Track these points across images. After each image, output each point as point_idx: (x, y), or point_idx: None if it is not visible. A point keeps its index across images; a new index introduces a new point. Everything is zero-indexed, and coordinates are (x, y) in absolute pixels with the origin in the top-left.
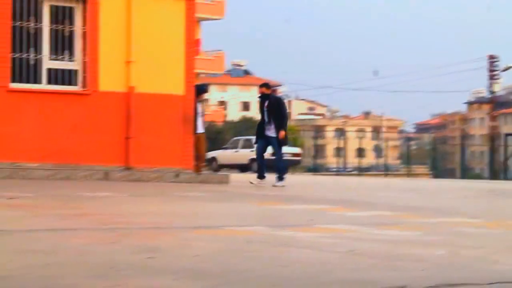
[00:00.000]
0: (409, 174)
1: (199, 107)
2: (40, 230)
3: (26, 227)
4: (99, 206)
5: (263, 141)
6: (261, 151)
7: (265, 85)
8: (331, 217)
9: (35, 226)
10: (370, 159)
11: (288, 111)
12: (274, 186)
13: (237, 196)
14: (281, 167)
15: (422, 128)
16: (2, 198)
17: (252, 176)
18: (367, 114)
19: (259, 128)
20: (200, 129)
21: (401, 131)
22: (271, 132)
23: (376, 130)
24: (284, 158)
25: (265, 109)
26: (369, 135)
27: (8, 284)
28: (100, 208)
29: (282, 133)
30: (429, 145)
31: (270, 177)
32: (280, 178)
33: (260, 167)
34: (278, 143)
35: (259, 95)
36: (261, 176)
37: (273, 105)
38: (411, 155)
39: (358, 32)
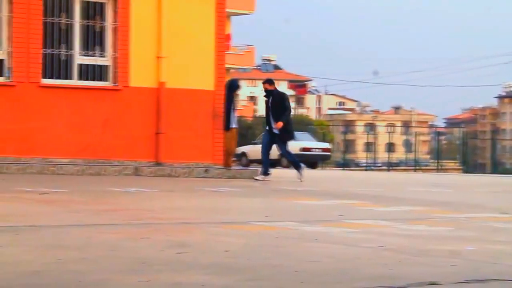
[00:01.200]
0: (439, 169)
1: (233, 103)
2: (72, 226)
3: (58, 222)
4: (130, 201)
5: (269, 137)
6: (266, 147)
7: (268, 81)
8: (361, 212)
9: (66, 222)
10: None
11: (291, 105)
12: (299, 179)
13: (267, 191)
14: (294, 161)
15: (452, 122)
16: (34, 193)
17: (280, 171)
18: (397, 109)
19: (267, 124)
20: (234, 124)
21: (431, 126)
22: (275, 128)
23: (406, 125)
24: (290, 153)
25: (269, 105)
26: (399, 129)
27: (41, 279)
28: (130, 204)
29: (280, 124)
30: (460, 140)
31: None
32: (298, 168)
33: (265, 162)
34: (281, 138)
35: (263, 91)
36: (265, 173)
37: (277, 101)
38: (441, 150)
39: (390, 26)
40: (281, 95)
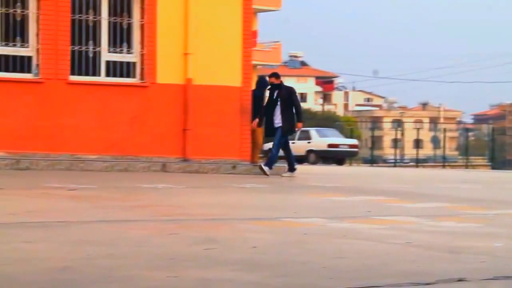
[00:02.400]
0: (467, 166)
1: (263, 100)
2: (100, 222)
3: (87, 218)
4: (158, 197)
5: (275, 133)
6: (284, 144)
7: (274, 74)
8: (389, 209)
9: (95, 218)
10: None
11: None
12: (261, 169)
13: (294, 188)
14: (273, 157)
15: (480, 118)
16: (62, 189)
17: (308, 168)
18: (424, 105)
19: (268, 120)
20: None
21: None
22: (278, 121)
23: (434, 121)
24: (279, 149)
25: (274, 98)
26: (426, 126)
27: (71, 274)
28: (158, 200)
29: (300, 125)
30: (488, 136)
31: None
32: (268, 165)
33: (287, 159)
34: (283, 134)
35: (270, 85)
36: (291, 169)
37: (285, 95)
38: (469, 146)
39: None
40: (289, 89)
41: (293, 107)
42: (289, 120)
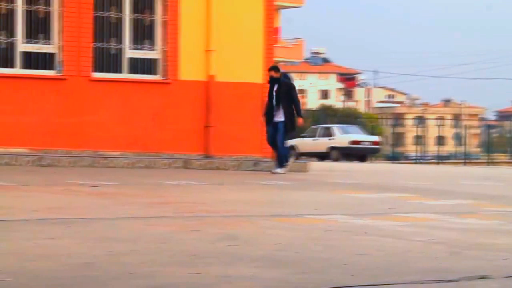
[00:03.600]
0: (489, 162)
1: None
2: (123, 218)
3: (109, 215)
4: (180, 194)
5: (272, 128)
6: (272, 138)
7: (274, 68)
8: (411, 206)
9: (117, 214)
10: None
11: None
12: (273, 172)
13: (316, 185)
14: (283, 154)
15: (503, 115)
16: (85, 186)
17: (330, 164)
18: (447, 102)
19: (268, 114)
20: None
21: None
22: (278, 117)
23: (456, 118)
24: (287, 145)
25: (274, 93)
26: (449, 122)
27: (93, 270)
28: (180, 197)
29: (301, 120)
30: (511, 133)
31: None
32: (281, 165)
33: (282, 153)
34: (285, 129)
35: (269, 78)
36: (281, 165)
37: (283, 90)
38: (492, 143)
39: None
40: (288, 84)
41: (293, 103)
42: (291, 118)
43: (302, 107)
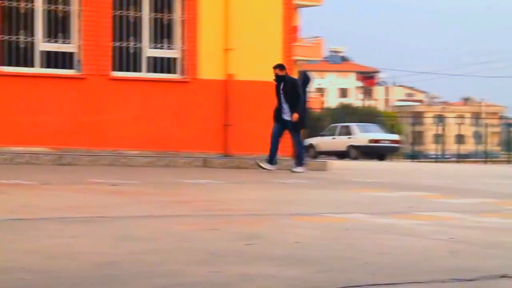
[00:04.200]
0: (509, 161)
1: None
2: (143, 217)
3: (129, 213)
4: (199, 193)
5: (280, 125)
6: (277, 135)
7: (279, 66)
8: (431, 204)
9: (138, 213)
10: (469, 145)
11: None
12: (293, 171)
13: (335, 183)
14: (299, 152)
15: None
16: (105, 185)
17: (349, 163)
18: (466, 100)
19: (277, 112)
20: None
21: (501, 117)
22: (287, 115)
23: (476, 116)
24: (302, 143)
25: (281, 91)
26: (468, 121)
27: (114, 269)
28: (200, 195)
29: (296, 115)
30: None
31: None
32: (299, 164)
33: (272, 151)
34: (294, 127)
35: (274, 76)
36: (270, 161)
37: (289, 87)
38: None
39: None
40: (293, 81)
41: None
42: (301, 116)
43: (320, 105)
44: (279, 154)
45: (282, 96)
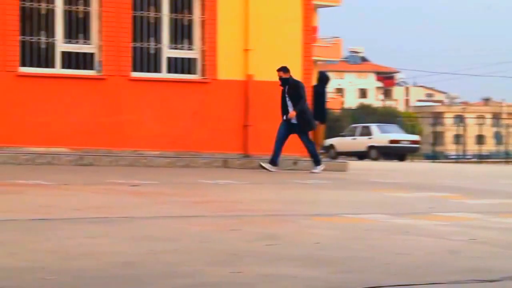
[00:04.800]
0: None
1: (325, 95)
2: (163, 217)
3: (149, 214)
4: (220, 193)
5: (286, 128)
6: (282, 138)
7: (283, 69)
8: (451, 205)
9: (158, 213)
10: (490, 146)
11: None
12: (312, 172)
13: (355, 184)
14: (312, 152)
15: None
16: (125, 185)
17: (369, 163)
18: (487, 100)
19: (284, 114)
20: (326, 118)
21: None
22: (293, 119)
23: (496, 117)
24: (312, 143)
25: (285, 94)
26: (489, 121)
27: (135, 269)
28: (220, 195)
29: (293, 113)
30: None
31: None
32: (316, 163)
33: (276, 152)
34: (301, 130)
35: (279, 79)
36: (273, 162)
37: (292, 90)
38: None
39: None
40: (296, 83)
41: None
42: (303, 117)
43: (339, 106)
44: (299, 155)
45: (286, 98)
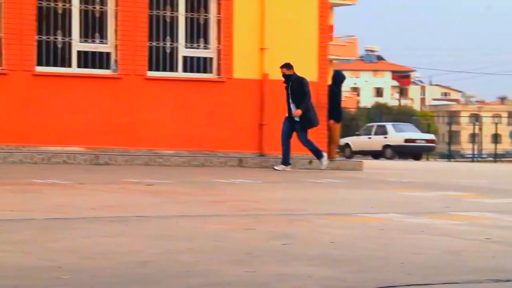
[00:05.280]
0: None
1: (340, 94)
2: (178, 216)
3: (165, 213)
4: (235, 192)
5: (289, 124)
6: (286, 135)
7: (286, 65)
8: (467, 204)
9: (173, 212)
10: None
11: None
12: (321, 169)
13: (370, 183)
14: (313, 149)
15: None
16: (140, 184)
17: (385, 163)
18: (503, 99)
19: (289, 112)
20: (341, 117)
21: None
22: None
23: None
24: (309, 140)
25: (289, 91)
26: (505, 120)
27: (150, 268)
28: (235, 195)
29: (298, 111)
30: None
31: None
32: (319, 156)
33: (285, 151)
34: (302, 126)
35: (282, 76)
36: (286, 162)
37: (296, 86)
38: None
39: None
40: (299, 80)
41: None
42: (309, 115)
43: (355, 105)
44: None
45: (289, 95)
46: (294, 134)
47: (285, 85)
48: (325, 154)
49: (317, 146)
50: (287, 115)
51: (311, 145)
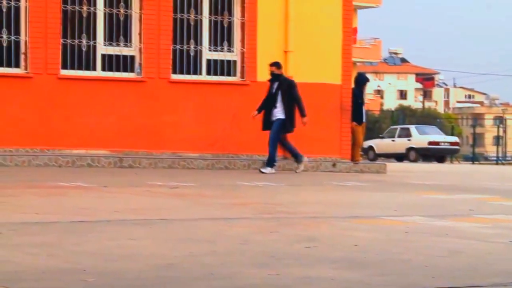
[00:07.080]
0: None
1: (363, 97)
2: (202, 219)
3: (189, 216)
4: (258, 195)
5: (271, 126)
6: (282, 139)
7: (276, 64)
8: (491, 207)
9: (197, 215)
10: None
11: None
12: (261, 172)
13: (394, 186)
14: (271, 152)
15: None
16: (164, 187)
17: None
18: None
19: (267, 113)
20: (363, 119)
21: None
22: (278, 114)
23: None
24: (276, 145)
25: (273, 91)
26: None
27: (174, 271)
28: (259, 198)
29: (306, 119)
30: None
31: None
32: (268, 164)
33: (291, 151)
34: (282, 127)
35: (270, 74)
36: (298, 160)
37: (284, 88)
38: None
39: None
40: (288, 82)
41: (294, 102)
42: (290, 117)
43: (379, 107)
44: (338, 156)
45: (278, 95)
46: (295, 135)
47: (269, 84)
48: (276, 164)
49: (277, 154)
50: (256, 113)
51: (274, 149)
